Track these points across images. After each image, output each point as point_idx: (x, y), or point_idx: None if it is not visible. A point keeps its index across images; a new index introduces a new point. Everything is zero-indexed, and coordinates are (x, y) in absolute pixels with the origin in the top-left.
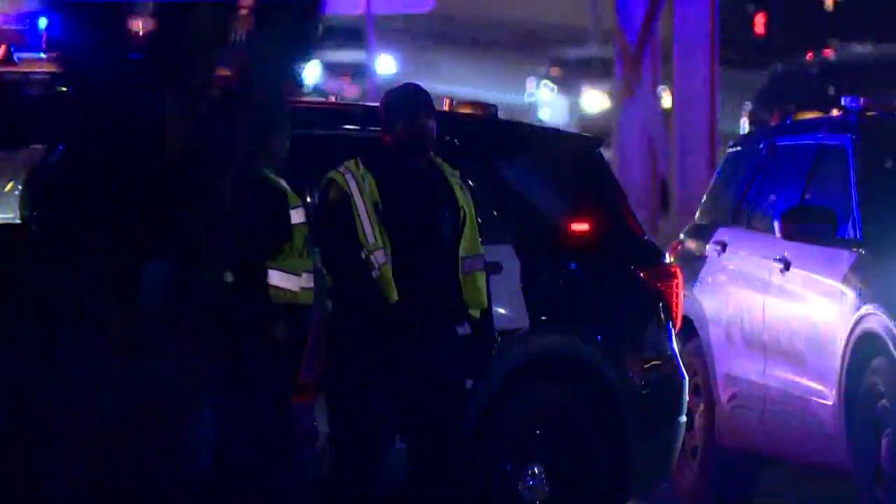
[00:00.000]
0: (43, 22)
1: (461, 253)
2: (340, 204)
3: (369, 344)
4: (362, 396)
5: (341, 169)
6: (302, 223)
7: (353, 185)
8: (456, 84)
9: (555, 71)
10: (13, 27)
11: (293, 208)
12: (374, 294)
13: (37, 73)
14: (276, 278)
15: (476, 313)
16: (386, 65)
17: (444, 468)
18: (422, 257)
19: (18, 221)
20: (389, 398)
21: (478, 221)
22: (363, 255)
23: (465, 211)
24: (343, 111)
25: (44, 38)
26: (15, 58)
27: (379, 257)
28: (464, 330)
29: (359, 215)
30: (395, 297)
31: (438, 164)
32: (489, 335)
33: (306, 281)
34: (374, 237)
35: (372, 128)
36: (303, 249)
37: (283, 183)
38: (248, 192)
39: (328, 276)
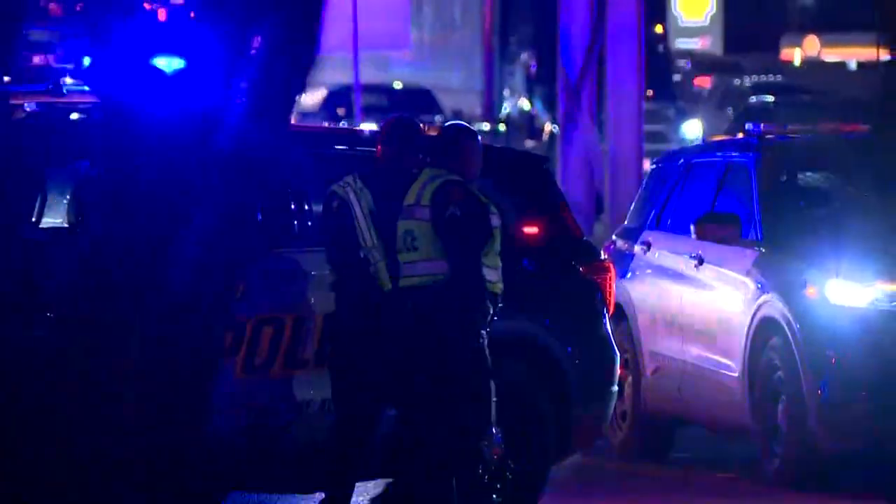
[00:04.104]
0: (87, 60)
1: None
2: (342, 212)
3: (366, 326)
4: (358, 369)
5: (342, 183)
6: (497, 227)
7: (351, 196)
8: None
9: None
10: (62, 65)
11: (492, 214)
12: (372, 285)
13: (82, 102)
14: (486, 273)
15: None
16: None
17: (429, 427)
18: None
19: (67, 225)
20: (380, 370)
21: None
22: (362, 254)
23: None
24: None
25: (87, 74)
26: (63, 90)
27: (375, 255)
28: None
29: (358, 221)
30: (389, 286)
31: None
32: None
33: (498, 274)
34: (370, 239)
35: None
36: (499, 248)
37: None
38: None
39: (332, 272)
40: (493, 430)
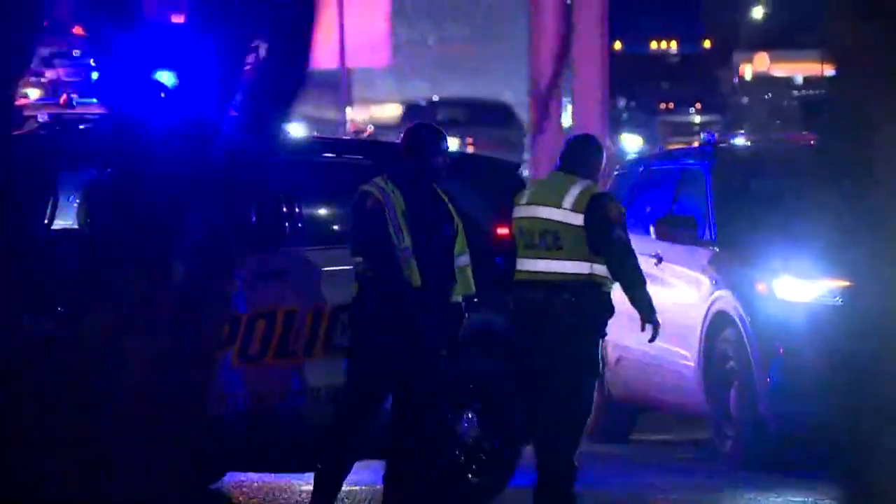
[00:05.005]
0: (94, 75)
1: (455, 252)
2: (376, 211)
3: (394, 317)
4: (378, 357)
5: (372, 183)
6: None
7: (385, 196)
8: None
9: None
10: (72, 79)
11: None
12: (403, 280)
13: (90, 114)
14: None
15: (459, 298)
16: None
17: (424, 413)
18: (433, 254)
19: (76, 227)
20: (393, 359)
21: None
22: (396, 252)
23: (457, 221)
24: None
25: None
26: (74, 103)
27: (406, 253)
28: None
29: (391, 220)
30: (419, 282)
31: (436, 188)
32: (460, 313)
33: None
34: (403, 237)
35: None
36: None
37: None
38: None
39: (365, 266)
40: (469, 415)
